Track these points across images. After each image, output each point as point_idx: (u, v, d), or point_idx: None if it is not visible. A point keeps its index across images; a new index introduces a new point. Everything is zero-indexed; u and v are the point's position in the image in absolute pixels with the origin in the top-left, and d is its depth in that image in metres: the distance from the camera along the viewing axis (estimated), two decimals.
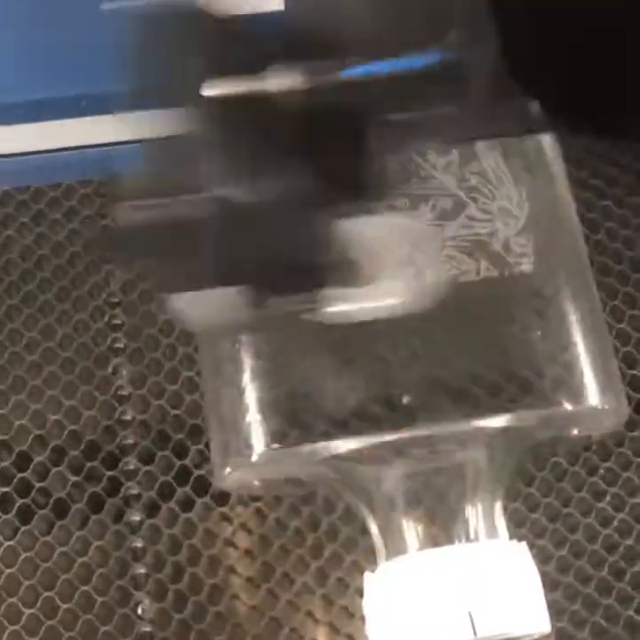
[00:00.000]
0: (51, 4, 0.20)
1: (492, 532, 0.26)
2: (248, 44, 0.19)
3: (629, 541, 0.31)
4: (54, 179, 0.24)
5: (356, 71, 0.19)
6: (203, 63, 0.19)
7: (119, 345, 0.32)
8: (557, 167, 0.28)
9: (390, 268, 0.23)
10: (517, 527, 0.30)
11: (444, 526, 0.26)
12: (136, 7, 0.19)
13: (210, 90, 0.19)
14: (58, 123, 0.20)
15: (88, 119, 0.20)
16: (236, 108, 0.19)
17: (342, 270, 0.22)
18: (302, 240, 0.20)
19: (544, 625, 0.25)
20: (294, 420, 0.26)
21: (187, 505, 0.30)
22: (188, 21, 0.19)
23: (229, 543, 0.30)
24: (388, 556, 0.26)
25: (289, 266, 0.21)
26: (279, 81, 0.19)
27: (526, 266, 0.27)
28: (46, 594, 0.29)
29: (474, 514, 0.26)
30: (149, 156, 0.20)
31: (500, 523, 0.26)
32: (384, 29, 0.19)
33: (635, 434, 0.32)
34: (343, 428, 0.25)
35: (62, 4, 0.20)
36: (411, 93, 0.19)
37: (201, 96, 0.19)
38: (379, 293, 0.23)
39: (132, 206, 0.21)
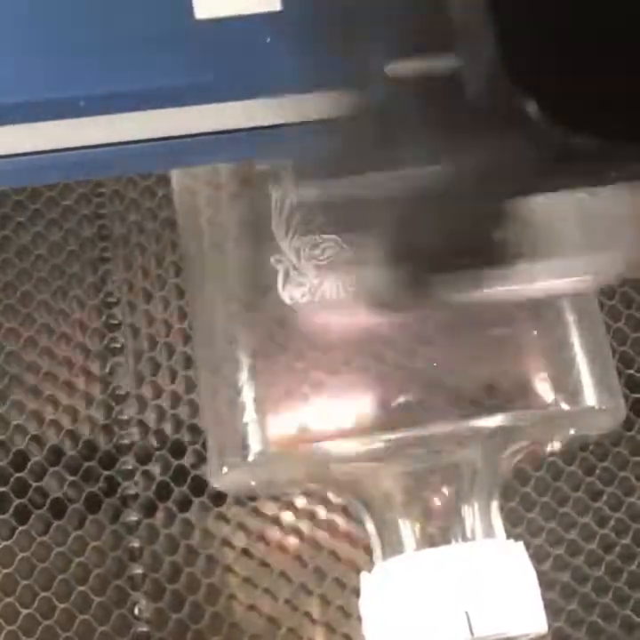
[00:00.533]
0: (48, 3, 0.20)
1: (488, 531, 0.26)
2: (437, 17, 0.19)
3: (626, 540, 0.31)
4: (52, 179, 0.24)
5: None
6: (385, 43, 0.18)
7: (116, 344, 0.32)
8: None
9: (567, 246, 0.22)
10: (514, 526, 0.30)
11: (440, 526, 0.26)
12: None
13: (396, 70, 0.18)
14: (56, 123, 0.20)
15: (86, 120, 0.20)
16: (422, 86, 0.18)
17: (517, 248, 0.21)
18: (481, 217, 0.20)
19: (541, 625, 0.25)
20: (291, 420, 0.26)
21: (184, 505, 0.30)
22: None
23: (226, 543, 0.30)
24: (385, 556, 0.26)
25: (463, 243, 0.20)
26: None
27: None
28: (43, 594, 0.29)
29: (470, 513, 0.26)
30: (323, 138, 0.20)
31: (497, 522, 0.26)
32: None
33: (631, 433, 0.32)
34: (340, 427, 0.25)
35: (60, 3, 0.20)
36: None
37: (384, 76, 0.18)
38: (553, 272, 0.22)
39: (309, 185, 0.21)
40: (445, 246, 0.21)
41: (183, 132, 0.20)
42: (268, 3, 0.20)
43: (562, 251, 0.22)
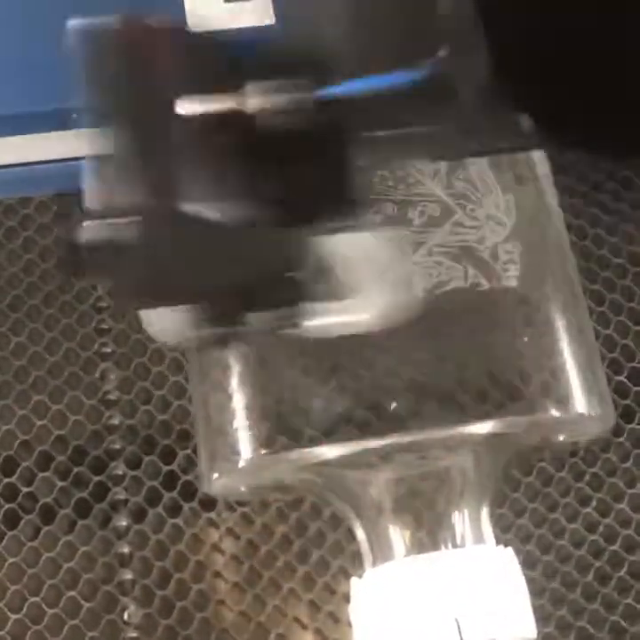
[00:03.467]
0: (35, 17, 0.20)
1: (478, 537, 0.26)
2: (224, 61, 0.19)
3: (615, 547, 0.31)
4: (45, 190, 0.24)
5: (338, 88, 0.19)
6: (175, 81, 0.19)
7: (106, 350, 0.32)
8: (546, 175, 0.28)
9: (368, 282, 0.23)
10: (504, 532, 0.30)
11: (430, 532, 0.26)
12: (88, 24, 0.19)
13: (184, 107, 0.19)
14: (47, 135, 0.20)
15: (76, 131, 0.20)
16: (211, 126, 0.19)
17: (319, 285, 0.21)
18: (277, 256, 0.20)
19: (530, 631, 0.25)
20: (282, 425, 0.26)
21: (174, 510, 0.30)
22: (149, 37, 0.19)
23: (216, 548, 0.30)
24: (375, 562, 0.26)
25: (263, 282, 0.21)
26: (257, 100, 0.19)
27: (513, 272, 0.27)
28: (32, 599, 0.29)
29: (460, 519, 0.26)
30: (104, 172, 0.20)
31: (487, 528, 0.26)
32: (369, 45, 0.19)
33: (621, 439, 0.32)
34: (331, 433, 0.25)
35: (48, 17, 0.20)
36: (398, 109, 0.19)
37: (174, 113, 0.19)
38: (356, 308, 0.23)
39: (91, 223, 0.20)
40: (249, 286, 0.21)
41: None
42: (262, 17, 0.20)
43: (364, 287, 0.22)
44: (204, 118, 0.19)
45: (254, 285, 0.21)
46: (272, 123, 0.19)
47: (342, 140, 0.19)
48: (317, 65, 0.19)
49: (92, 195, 0.19)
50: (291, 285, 0.21)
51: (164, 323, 0.23)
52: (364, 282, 0.22)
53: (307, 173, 0.19)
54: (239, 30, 0.20)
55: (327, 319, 0.23)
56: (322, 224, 0.20)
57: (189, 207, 0.19)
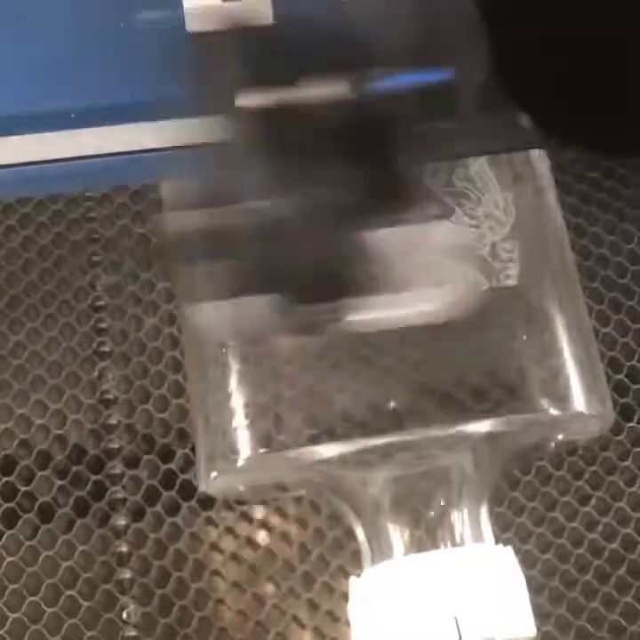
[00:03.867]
0: (42, 17, 0.20)
1: (477, 536, 0.26)
2: (281, 55, 0.19)
3: (614, 545, 0.31)
4: (45, 189, 0.24)
5: (384, 83, 0.19)
6: (237, 73, 0.19)
7: (105, 348, 0.32)
8: (544, 173, 0.28)
9: (417, 277, 0.23)
10: (503, 531, 0.30)
11: (429, 531, 0.26)
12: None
13: (244, 100, 0.19)
14: (48, 134, 0.20)
15: (78, 131, 0.20)
16: (270, 118, 0.19)
17: (368, 280, 0.22)
18: (330, 250, 0.20)
19: (529, 629, 0.25)
20: (281, 424, 0.26)
21: (172, 509, 0.30)
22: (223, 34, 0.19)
23: (215, 547, 0.30)
24: (374, 561, 0.26)
25: (316, 276, 0.21)
26: (312, 91, 0.19)
27: (513, 271, 0.27)
28: (31, 598, 0.29)
29: (459, 518, 0.26)
30: (191, 165, 0.20)
31: (486, 527, 0.26)
32: (399, 44, 0.19)
33: (620, 438, 0.32)
34: (329, 432, 0.25)
35: (53, 17, 0.20)
36: (427, 107, 0.19)
37: (236, 106, 0.19)
38: (404, 302, 0.23)
39: (176, 215, 0.21)
40: (303, 279, 0.21)
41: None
42: (261, 17, 0.20)
43: (405, 283, 0.22)
44: (263, 111, 0.19)
45: (307, 279, 0.21)
46: (325, 115, 0.19)
47: (391, 135, 0.19)
48: (359, 60, 0.19)
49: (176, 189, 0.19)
50: (340, 280, 0.21)
51: (221, 316, 0.23)
52: (416, 276, 0.22)
53: (359, 168, 0.19)
54: (244, 30, 0.20)
55: (377, 313, 0.23)
56: (374, 218, 0.20)
57: (256, 200, 0.19)
